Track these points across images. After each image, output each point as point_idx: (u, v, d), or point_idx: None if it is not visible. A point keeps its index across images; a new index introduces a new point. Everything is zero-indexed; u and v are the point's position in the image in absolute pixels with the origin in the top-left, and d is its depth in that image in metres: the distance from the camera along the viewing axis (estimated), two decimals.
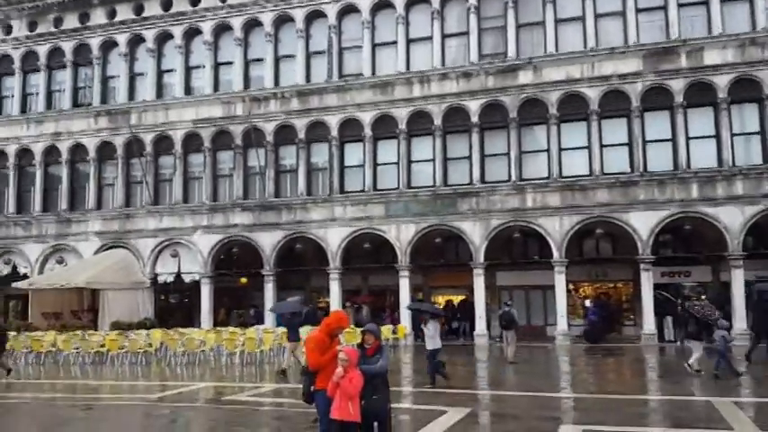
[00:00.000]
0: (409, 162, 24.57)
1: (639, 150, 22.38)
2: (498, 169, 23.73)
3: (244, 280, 28.06)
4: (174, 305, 29.13)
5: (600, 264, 25.13)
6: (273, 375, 16.18)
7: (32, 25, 29.14)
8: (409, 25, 25.09)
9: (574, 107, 23.07)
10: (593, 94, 22.84)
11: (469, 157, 23.93)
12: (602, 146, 22.81)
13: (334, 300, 24.61)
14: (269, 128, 25.77)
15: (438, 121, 24.11)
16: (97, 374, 17.63)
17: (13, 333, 22.51)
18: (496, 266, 24.52)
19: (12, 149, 28.67)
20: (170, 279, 26.59)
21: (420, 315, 17.69)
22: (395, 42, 25.07)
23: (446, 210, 23.73)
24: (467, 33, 24.47)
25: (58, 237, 27.78)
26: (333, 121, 25.16)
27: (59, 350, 20.45)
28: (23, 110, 29.14)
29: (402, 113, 24.53)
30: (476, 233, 23.45)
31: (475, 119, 23.81)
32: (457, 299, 27.35)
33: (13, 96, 29.36)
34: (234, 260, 26.88)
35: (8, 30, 29.43)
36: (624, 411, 10.81)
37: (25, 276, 27.15)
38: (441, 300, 27.65)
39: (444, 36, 24.75)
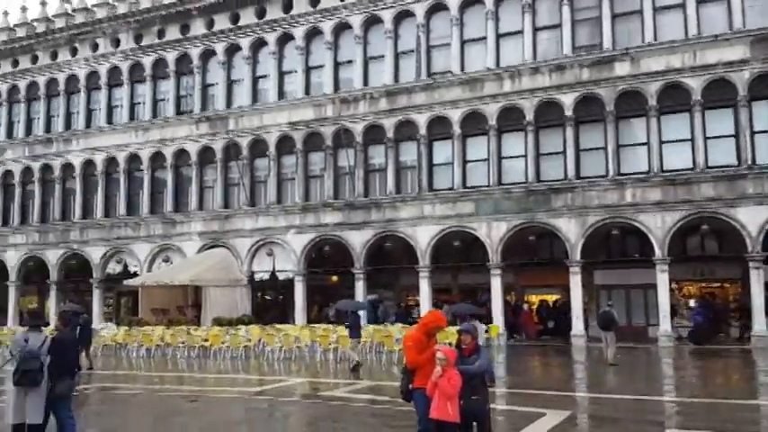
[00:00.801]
0: (500, 158, 24.21)
1: (747, 142, 20.98)
2: (595, 164, 22.94)
3: (335, 278, 28.63)
4: (269, 302, 30.14)
5: (705, 262, 23.77)
6: (366, 372, 16.39)
7: (138, 38, 30.97)
8: (499, 20, 24.71)
9: (674, 98, 21.94)
10: (695, 84, 21.62)
11: (563, 152, 23.27)
12: (705, 138, 21.55)
13: (424, 298, 24.64)
14: (358, 128, 26.15)
15: (530, 116, 23.61)
16: (201, 368, 18.53)
17: (125, 327, 24.15)
18: (594, 265, 23.72)
19: (122, 156, 30.60)
20: (266, 277, 27.52)
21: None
22: (484, 38, 24.77)
23: (539, 206, 23.21)
24: (559, 26, 23.82)
25: (164, 237, 29.40)
26: (421, 119, 25.19)
27: (167, 344, 21.63)
28: (132, 118, 31.02)
29: (492, 109, 24.20)
30: (571, 230, 22.79)
31: (569, 113, 23.14)
32: (551, 298, 26.69)
33: (122, 106, 31.32)
34: (325, 258, 27.47)
35: (117, 43, 31.42)
36: (733, 417, 10.19)
37: (135, 274, 28.89)
38: (534, 299, 27.10)
39: (536, 29, 24.20)
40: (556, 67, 23.45)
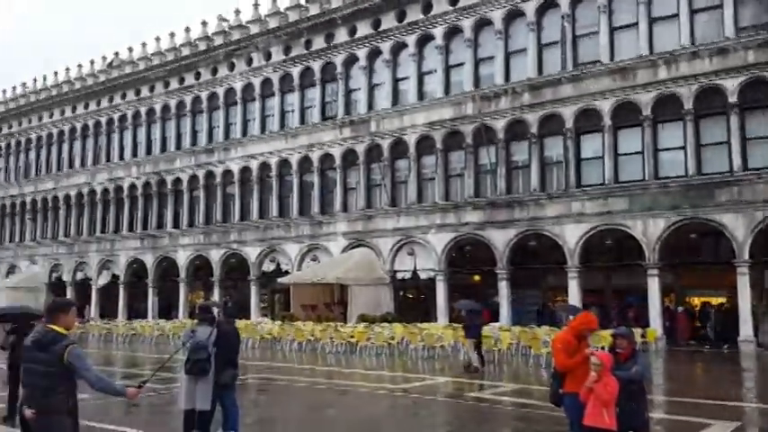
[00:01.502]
0: (655, 150, 22.58)
1: None
2: (763, 155, 20.69)
3: (477, 277, 28.31)
4: (411, 301, 30.47)
5: None
6: (511, 375, 16.00)
7: (287, 50, 32.69)
8: (651, 4, 23.08)
9: None
10: None
11: (728, 142, 21.23)
12: None
13: (573, 299, 23.58)
14: (499, 125, 25.64)
15: (688, 105, 21.81)
16: (348, 363, 19.09)
17: (279, 322, 25.57)
18: (764, 265, 21.39)
19: (273, 161, 32.46)
20: (407, 276, 27.83)
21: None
22: (635, 24, 23.27)
23: (701, 202, 21.36)
24: (720, 6, 21.78)
25: (312, 237, 30.75)
26: (567, 112, 24.17)
27: (317, 339, 22.57)
28: (282, 126, 32.78)
29: (645, 99, 22.66)
30: (738, 227, 20.72)
31: (733, 99, 21.07)
32: (716, 301, 24.46)
33: (273, 115, 33.21)
34: (467, 258, 27.22)
35: (268, 56, 33.38)
36: None
37: (287, 272, 30.50)
38: (696, 301, 25.01)
39: (693, 11, 22.32)
40: (717, 50, 21.47)
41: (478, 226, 25.88)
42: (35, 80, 45.24)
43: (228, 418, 8.67)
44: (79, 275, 40.18)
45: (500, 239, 25.29)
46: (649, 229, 22.21)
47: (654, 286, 22.16)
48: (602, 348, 11.18)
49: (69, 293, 38.77)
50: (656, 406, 11.31)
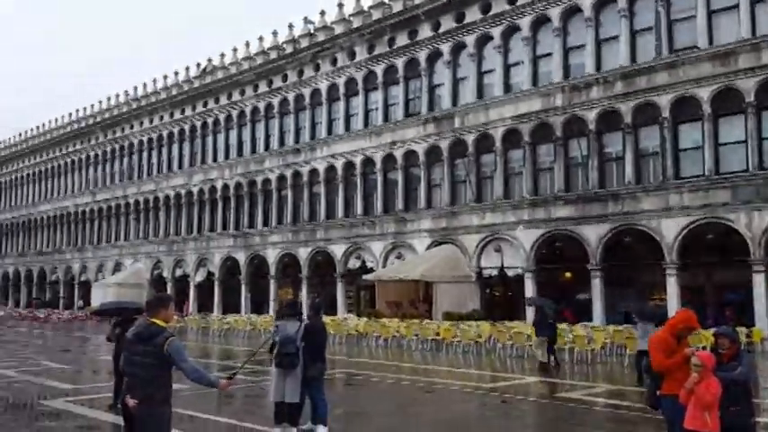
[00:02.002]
0: (760, 139, 21.06)
1: None
2: None
3: (568, 275, 27.42)
4: (498, 298, 29.94)
5: None
6: (605, 375, 15.38)
7: (371, 48, 32.94)
8: None
9: None
10: None
11: None
12: None
13: (672, 297, 22.39)
14: (590, 116, 24.70)
15: None
16: (434, 360, 18.99)
17: (364, 318, 25.83)
18: None
19: (358, 160, 32.81)
20: (494, 273, 27.37)
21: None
22: (736, 6, 21.78)
23: None
24: None
25: (396, 234, 30.84)
26: (663, 101, 22.95)
27: (402, 336, 22.61)
28: (366, 124, 33.08)
29: (749, 85, 21.16)
30: None
31: None
32: None
33: (357, 114, 33.58)
34: (557, 254, 26.43)
35: (352, 56, 33.77)
36: None
37: (371, 270, 30.76)
38: None
39: None
40: None
41: (569, 221, 25.06)
42: (135, 88, 48.03)
43: (317, 411, 8.80)
44: (178, 272, 42.28)
45: (592, 235, 24.38)
46: (754, 223, 20.73)
47: (760, 283, 20.68)
48: (704, 348, 10.51)
49: (170, 289, 40.87)
50: (763, 410, 10.54)
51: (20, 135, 60.14)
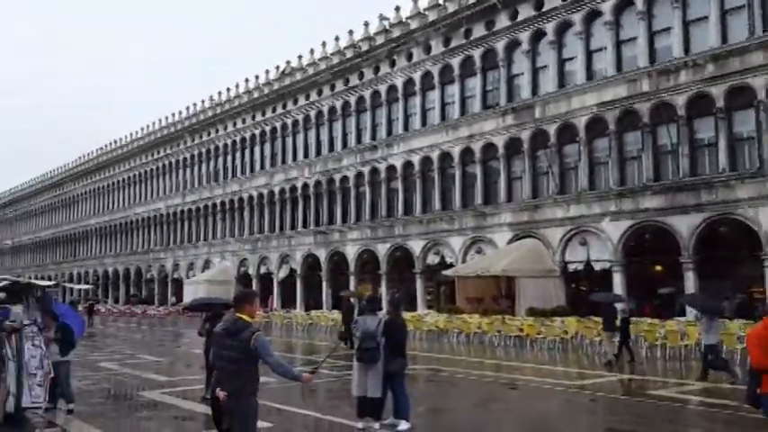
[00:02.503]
0: None
1: None
2: None
3: (658, 268, 26.18)
4: (584, 293, 28.95)
5: None
6: (699, 372, 14.54)
7: (447, 41, 32.63)
8: None
9: None
10: None
11: None
12: None
13: None
14: (680, 101, 23.45)
15: None
16: (517, 356, 18.62)
17: (444, 314, 25.65)
18: None
19: (435, 155, 32.60)
20: (580, 267, 26.49)
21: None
22: None
23: None
24: None
25: (476, 229, 30.43)
26: (758, 82, 21.47)
27: (484, 332, 22.31)
28: (442, 118, 32.81)
29: None
30: None
31: None
32: None
33: (434, 108, 33.36)
34: (646, 247, 25.27)
35: (428, 50, 33.58)
36: None
37: (451, 265, 30.48)
38: None
39: None
40: None
41: (659, 212, 23.91)
42: (219, 93, 49.85)
43: (400, 407, 8.79)
44: (262, 269, 43.56)
45: (684, 226, 23.15)
46: None
47: None
48: None
49: (255, 286, 42.13)
50: None
51: (114, 143, 63.75)
